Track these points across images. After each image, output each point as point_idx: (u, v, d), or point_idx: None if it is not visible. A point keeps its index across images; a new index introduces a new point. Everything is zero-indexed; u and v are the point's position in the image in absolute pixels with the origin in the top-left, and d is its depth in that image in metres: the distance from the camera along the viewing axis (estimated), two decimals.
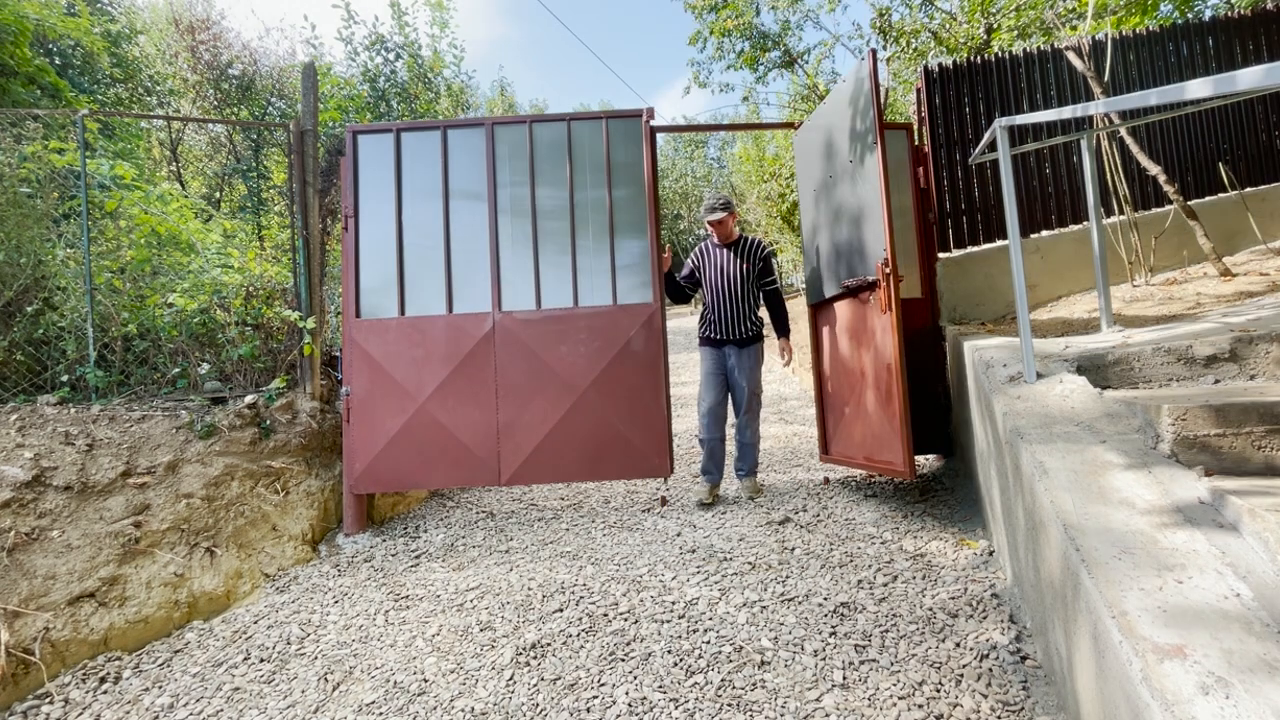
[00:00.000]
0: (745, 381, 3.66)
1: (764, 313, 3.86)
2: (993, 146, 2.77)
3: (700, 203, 26.34)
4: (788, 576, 2.62)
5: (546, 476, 3.71)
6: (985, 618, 2.14)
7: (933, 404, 3.73)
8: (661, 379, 3.67)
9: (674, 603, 2.49)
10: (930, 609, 2.24)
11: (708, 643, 2.18)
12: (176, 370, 3.57)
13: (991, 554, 2.61)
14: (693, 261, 3.84)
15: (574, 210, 3.82)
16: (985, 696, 1.76)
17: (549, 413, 3.69)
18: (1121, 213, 4.30)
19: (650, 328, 3.71)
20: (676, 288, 3.84)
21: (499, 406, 3.71)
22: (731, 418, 3.81)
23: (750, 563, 2.79)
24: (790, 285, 20.92)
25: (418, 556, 3.22)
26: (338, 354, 4.10)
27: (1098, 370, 2.37)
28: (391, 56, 6.61)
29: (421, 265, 3.82)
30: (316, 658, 2.35)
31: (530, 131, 3.86)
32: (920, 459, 4.04)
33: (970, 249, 4.34)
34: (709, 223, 3.65)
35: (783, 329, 3.75)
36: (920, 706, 1.75)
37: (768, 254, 3.70)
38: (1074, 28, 7.57)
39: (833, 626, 2.21)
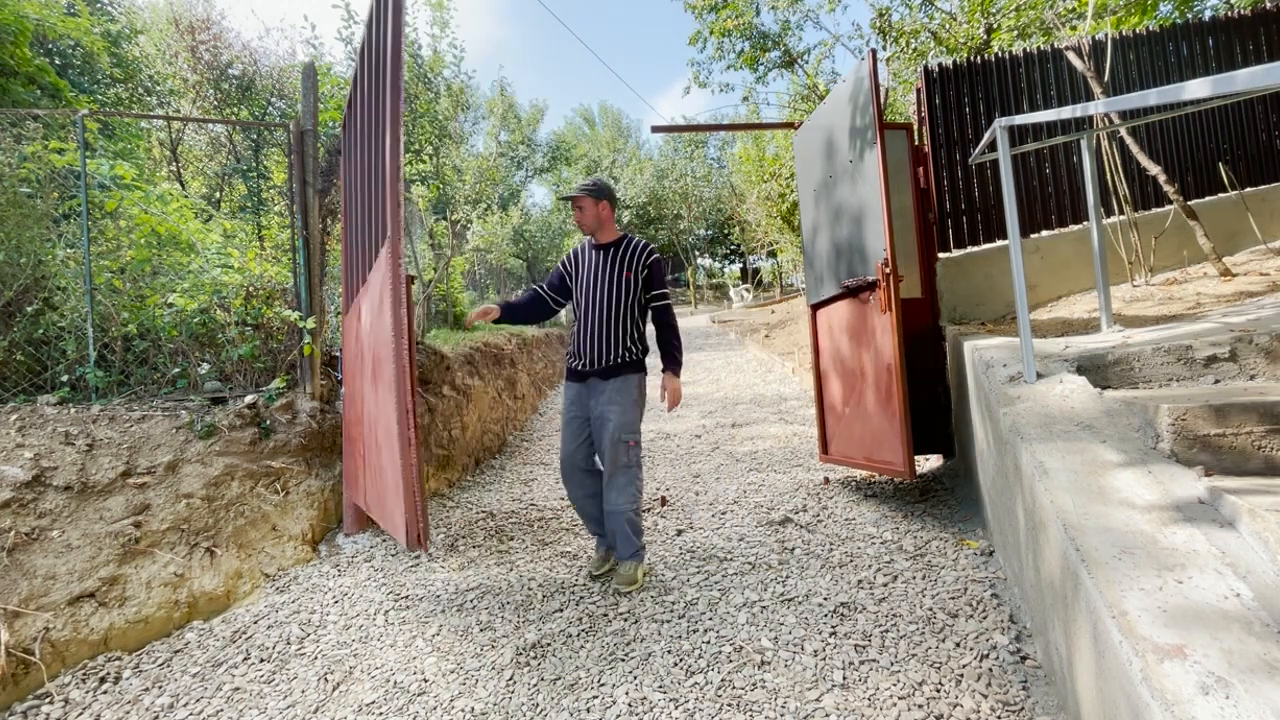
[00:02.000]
0: (607, 422, 2.68)
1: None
2: (993, 146, 2.77)
3: (700, 203, 26.36)
4: (788, 576, 2.62)
5: (376, 514, 2.95)
6: (985, 618, 2.14)
7: (933, 404, 3.73)
8: (403, 396, 2.30)
9: (674, 603, 2.49)
10: (930, 609, 2.24)
11: (708, 643, 2.18)
12: (176, 370, 3.57)
13: (991, 554, 2.61)
14: (563, 266, 2.93)
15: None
16: (985, 696, 1.76)
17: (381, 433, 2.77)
18: (1121, 213, 4.30)
19: (386, 308, 2.47)
20: (533, 307, 2.90)
21: (365, 411, 2.97)
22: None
23: (750, 563, 2.79)
24: (790, 285, 20.96)
25: (417, 556, 3.22)
26: (338, 354, 4.10)
27: (1098, 370, 2.37)
28: None
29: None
30: (316, 658, 2.35)
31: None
32: (920, 459, 4.04)
33: (970, 249, 4.34)
34: (570, 202, 2.85)
35: (671, 359, 2.80)
36: (920, 706, 1.75)
37: (654, 260, 2.81)
38: (1074, 28, 7.57)
39: (833, 626, 2.21)
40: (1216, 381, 2.21)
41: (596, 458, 2.82)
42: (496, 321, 2.87)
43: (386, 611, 2.65)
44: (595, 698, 1.96)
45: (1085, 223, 4.34)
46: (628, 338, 2.77)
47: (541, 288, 2.96)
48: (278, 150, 6.05)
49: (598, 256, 2.83)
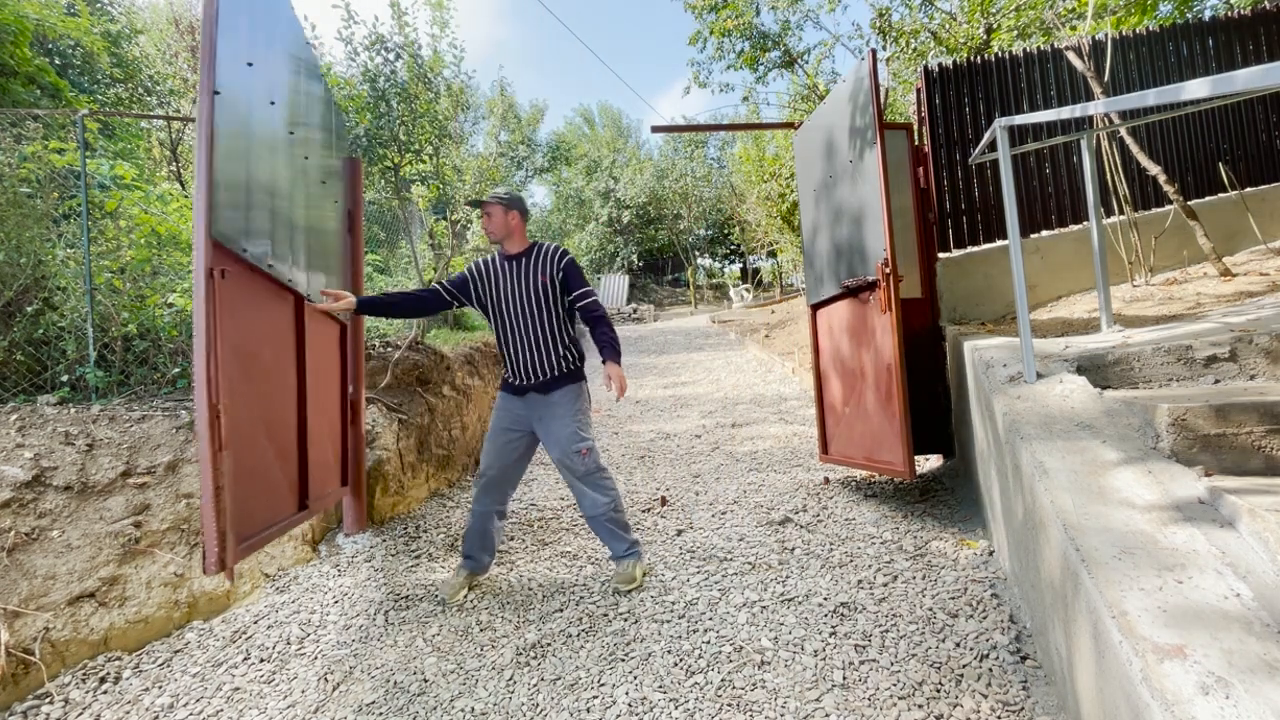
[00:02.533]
0: (559, 439, 2.66)
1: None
2: (993, 146, 2.77)
3: (700, 203, 26.33)
4: (788, 576, 2.62)
5: None
6: (985, 618, 2.14)
7: (933, 404, 3.73)
8: (203, 390, 1.93)
9: (674, 603, 2.50)
10: (930, 609, 2.24)
11: (708, 643, 2.18)
12: (176, 370, 3.57)
13: (991, 554, 2.61)
14: (469, 272, 2.83)
15: None
16: (985, 697, 1.76)
17: None
18: (1121, 213, 4.30)
19: None
20: (420, 300, 2.82)
21: None
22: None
23: (750, 563, 2.79)
24: (790, 285, 20.95)
25: (418, 556, 3.22)
26: None
27: (1098, 370, 2.37)
28: (391, 56, 6.61)
29: None
30: (316, 658, 2.35)
31: None
32: (920, 459, 4.04)
33: (970, 249, 4.34)
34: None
35: (609, 349, 2.70)
36: (920, 706, 1.75)
37: (567, 260, 2.76)
38: (1074, 28, 7.57)
39: (833, 626, 2.21)
40: (1217, 381, 2.22)
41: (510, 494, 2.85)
42: (358, 313, 2.79)
43: (386, 611, 2.65)
44: (595, 698, 1.96)
45: (1085, 223, 4.34)
46: (560, 345, 2.72)
47: (441, 284, 2.87)
48: None
49: (509, 268, 2.76)
